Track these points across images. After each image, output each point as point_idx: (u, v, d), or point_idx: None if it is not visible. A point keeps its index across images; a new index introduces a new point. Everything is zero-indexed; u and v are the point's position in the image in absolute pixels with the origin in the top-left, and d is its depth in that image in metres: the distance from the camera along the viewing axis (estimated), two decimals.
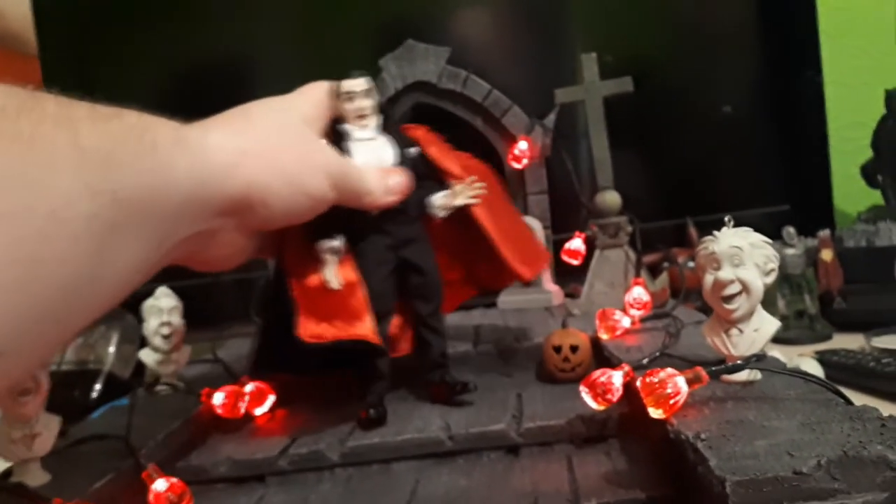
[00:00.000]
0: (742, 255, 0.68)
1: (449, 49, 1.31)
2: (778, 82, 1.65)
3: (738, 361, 0.66)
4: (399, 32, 1.32)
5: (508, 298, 1.33)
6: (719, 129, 1.62)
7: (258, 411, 0.96)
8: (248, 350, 1.00)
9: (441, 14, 1.49)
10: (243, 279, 1.57)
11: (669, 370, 0.64)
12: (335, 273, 0.83)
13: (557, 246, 1.32)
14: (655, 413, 0.63)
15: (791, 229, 1.43)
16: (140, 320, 1.00)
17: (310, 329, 0.80)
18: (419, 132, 0.94)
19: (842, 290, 1.44)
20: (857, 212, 1.63)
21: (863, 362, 1.09)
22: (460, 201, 0.88)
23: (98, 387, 1.37)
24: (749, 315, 0.68)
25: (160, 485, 0.70)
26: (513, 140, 1.32)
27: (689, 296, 1.34)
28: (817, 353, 1.15)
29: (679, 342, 0.89)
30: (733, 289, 0.67)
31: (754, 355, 0.66)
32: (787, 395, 0.65)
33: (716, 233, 0.70)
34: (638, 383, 0.65)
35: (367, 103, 0.89)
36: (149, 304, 0.97)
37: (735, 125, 1.62)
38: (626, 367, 0.78)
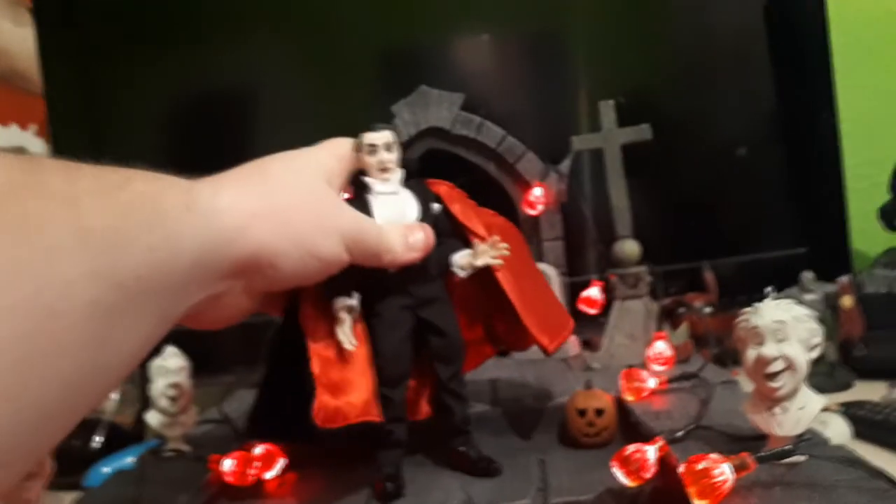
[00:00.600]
0: (786, 329, 0.64)
1: (462, 95, 1.29)
2: (792, 122, 1.64)
3: (787, 445, 0.62)
4: (412, 78, 1.30)
5: None
6: (734, 172, 1.60)
7: (268, 475, 0.92)
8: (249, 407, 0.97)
9: (454, 60, 1.48)
10: (248, 324, 1.54)
11: (714, 456, 0.61)
12: (349, 333, 0.79)
13: (573, 290, 1.30)
14: (700, 503, 0.59)
15: (809, 275, 1.40)
16: (146, 380, 0.96)
17: (323, 415, 0.76)
18: (443, 188, 0.91)
19: (863, 336, 1.41)
20: (874, 252, 1.61)
21: (891, 418, 1.05)
22: (482, 262, 0.84)
23: (98, 438, 1.33)
24: (794, 392, 0.65)
25: None
26: (527, 186, 1.29)
27: (706, 343, 1.31)
28: (841, 405, 1.12)
29: (711, 407, 0.85)
30: (778, 366, 0.64)
31: (801, 437, 0.63)
32: (837, 480, 0.61)
33: (757, 305, 0.67)
34: (680, 469, 0.62)
35: (389, 156, 0.86)
36: (156, 364, 0.93)
37: (750, 167, 1.60)
38: (660, 442, 0.75)
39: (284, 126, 1.56)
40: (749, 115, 1.61)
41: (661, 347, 1.07)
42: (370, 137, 0.86)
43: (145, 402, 1.49)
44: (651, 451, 0.73)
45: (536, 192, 1.27)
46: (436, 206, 0.88)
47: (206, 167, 1.69)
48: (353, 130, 1.48)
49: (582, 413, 0.92)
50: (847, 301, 1.41)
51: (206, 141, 1.59)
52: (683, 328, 1.22)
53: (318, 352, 0.79)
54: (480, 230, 0.88)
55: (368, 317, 0.85)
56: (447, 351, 0.88)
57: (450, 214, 0.89)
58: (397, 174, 0.87)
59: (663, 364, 1.06)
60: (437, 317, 0.87)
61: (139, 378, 1.44)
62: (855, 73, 1.69)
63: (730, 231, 1.62)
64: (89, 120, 1.65)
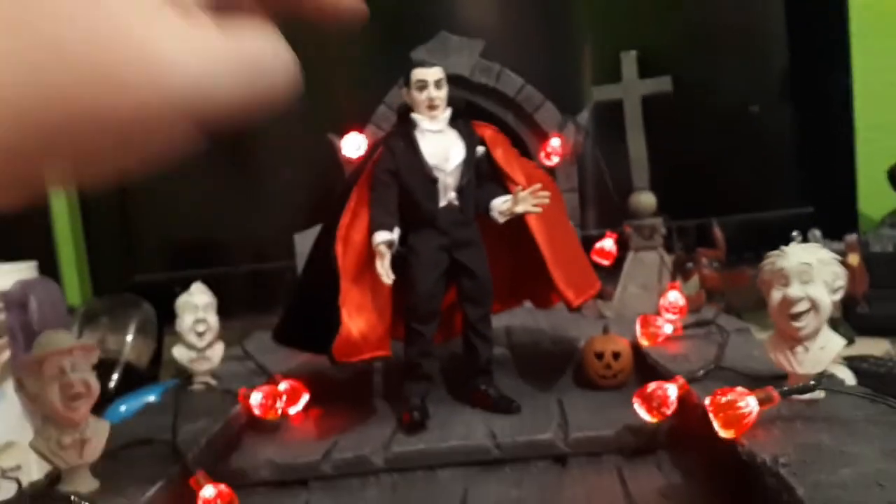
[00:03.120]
0: (811, 271, 0.66)
1: (482, 42, 1.28)
2: (806, 83, 1.64)
3: (810, 381, 0.65)
4: (432, 22, 1.29)
5: None
6: (745, 129, 1.60)
7: (292, 410, 0.95)
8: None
9: (475, 5, 1.46)
10: (259, 270, 1.55)
11: (740, 389, 0.63)
12: (388, 267, 0.81)
13: (586, 243, 1.31)
14: (725, 433, 0.62)
15: (817, 232, 1.42)
16: (173, 316, 0.98)
17: (342, 349, 0.79)
18: (488, 131, 0.92)
19: (866, 294, 1.43)
20: (880, 215, 1.62)
21: (894, 370, 1.08)
22: (521, 208, 0.85)
23: (116, 377, 1.35)
24: (815, 333, 0.67)
25: (208, 491, 0.68)
26: (545, 137, 1.30)
27: (714, 297, 1.33)
28: (845, 358, 1.14)
29: (726, 353, 0.88)
30: (802, 306, 0.66)
31: (823, 374, 0.65)
32: (855, 416, 0.63)
33: (783, 248, 0.69)
34: (707, 401, 0.64)
35: (439, 93, 0.86)
36: (183, 300, 0.95)
37: (761, 125, 1.61)
38: (681, 381, 0.77)
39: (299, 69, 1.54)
40: (764, 73, 1.61)
41: (675, 297, 1.10)
42: (420, 73, 0.86)
43: (160, 344, 1.52)
44: (672, 389, 0.76)
45: (554, 142, 1.28)
46: (480, 149, 0.89)
47: None
48: (371, 75, 1.47)
49: (599, 356, 0.94)
50: (853, 259, 1.43)
51: None
52: (694, 280, 1.24)
53: (348, 275, 0.81)
54: (521, 178, 0.89)
55: (404, 253, 0.87)
56: (478, 293, 0.89)
57: (491, 159, 0.90)
58: (445, 112, 0.87)
59: (677, 313, 1.08)
60: (471, 259, 0.88)
61: (155, 319, 1.46)
62: (871, 37, 1.68)
63: (739, 188, 1.63)
64: None
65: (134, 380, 1.36)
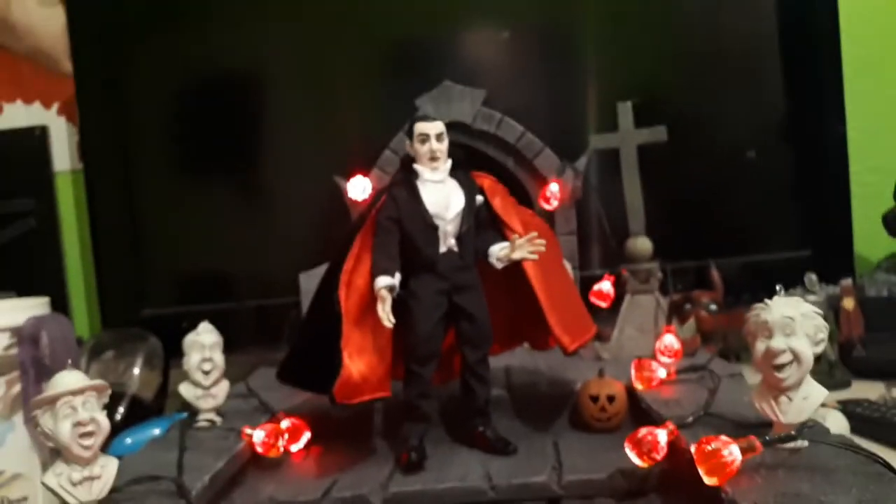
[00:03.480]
0: (794, 325, 0.69)
1: (484, 91, 1.33)
2: (801, 126, 1.67)
3: (791, 431, 0.67)
4: (435, 72, 1.35)
5: None
6: (743, 173, 1.64)
7: (294, 448, 0.97)
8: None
9: (476, 56, 1.52)
10: (265, 306, 1.58)
11: (723, 438, 0.66)
12: (389, 311, 0.84)
13: (586, 284, 1.34)
14: (710, 481, 0.64)
15: (813, 276, 1.44)
16: (179, 350, 1.01)
17: (343, 391, 0.82)
18: (486, 181, 0.96)
19: (862, 338, 1.45)
20: (876, 257, 1.65)
21: (888, 415, 1.10)
22: (518, 255, 0.89)
23: (122, 409, 1.38)
24: (798, 383, 0.70)
25: None
26: (544, 181, 1.34)
27: (710, 339, 1.35)
28: (839, 402, 1.16)
29: (717, 398, 0.90)
30: (785, 358, 0.69)
31: (804, 424, 0.68)
32: (836, 465, 0.66)
33: (767, 301, 0.72)
34: (692, 449, 0.66)
35: (440, 146, 0.91)
36: (190, 339, 0.98)
37: (758, 169, 1.64)
38: (671, 426, 0.79)
39: (308, 114, 1.59)
40: (759, 118, 1.65)
41: (670, 340, 1.12)
42: (422, 127, 0.91)
43: (166, 377, 1.55)
44: (662, 435, 0.78)
45: (553, 187, 1.32)
46: (479, 198, 0.93)
47: (228, 152, 1.71)
48: (378, 121, 1.53)
49: (594, 399, 0.97)
50: (848, 303, 1.45)
51: (228, 125, 1.63)
52: (691, 323, 1.26)
53: (350, 318, 0.85)
54: (518, 226, 0.93)
55: (405, 296, 0.90)
56: (476, 336, 0.92)
57: (490, 207, 0.94)
58: (446, 164, 0.91)
59: (671, 356, 1.11)
60: (470, 303, 0.92)
61: (162, 353, 1.49)
62: (864, 82, 1.72)
63: (737, 231, 1.66)
64: (115, 99, 1.68)
65: (140, 412, 1.38)
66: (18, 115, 1.83)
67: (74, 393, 0.66)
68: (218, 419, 0.99)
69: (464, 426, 0.95)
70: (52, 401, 0.66)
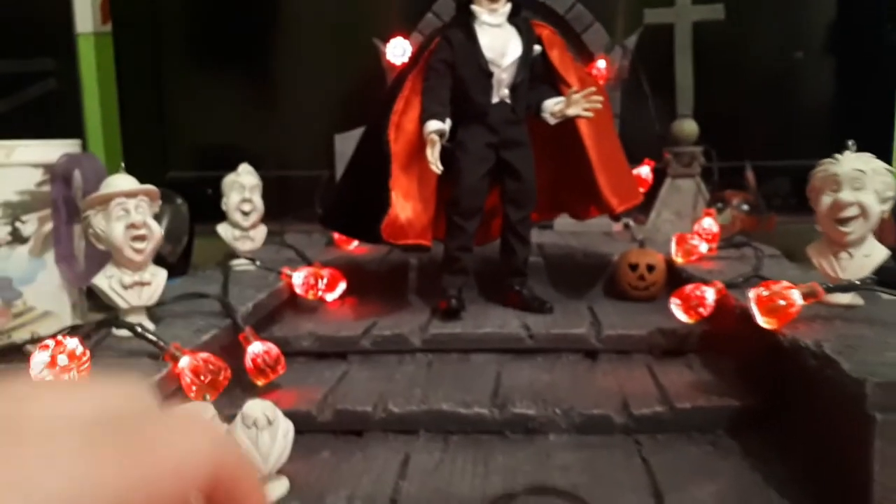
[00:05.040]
0: (864, 179, 0.67)
1: None
2: (852, 32, 1.60)
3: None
4: None
5: (566, 220, 1.32)
6: (787, 75, 1.58)
7: (329, 297, 0.97)
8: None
9: None
10: (295, 176, 1.56)
11: (784, 283, 0.65)
12: (437, 157, 0.82)
13: None
14: (767, 323, 0.64)
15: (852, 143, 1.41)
16: (203, 215, 0.99)
17: (390, 230, 0.81)
18: (545, 31, 0.92)
19: (893, 248, 1.44)
20: None
21: None
22: (574, 111, 0.86)
23: None
24: (861, 240, 0.68)
25: (256, 347, 0.71)
26: (591, 58, 1.29)
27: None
28: None
29: (763, 271, 0.89)
30: (852, 211, 0.67)
31: (869, 277, 0.67)
32: (895, 320, 0.65)
33: (837, 155, 0.69)
34: (750, 294, 0.66)
35: None
36: (230, 179, 0.96)
37: (804, 72, 1.58)
38: (719, 285, 0.79)
39: None
40: (810, 18, 1.57)
41: (709, 223, 1.10)
42: None
43: (191, 241, 1.54)
44: (710, 291, 0.78)
45: (600, 64, 1.27)
46: (536, 48, 0.89)
47: (259, 17, 1.61)
48: None
49: (634, 267, 0.96)
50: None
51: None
52: (728, 212, 1.25)
53: (399, 161, 0.83)
54: (575, 81, 0.89)
55: (452, 147, 0.87)
56: (521, 195, 0.90)
57: (547, 59, 0.90)
58: (506, 7, 0.87)
59: (709, 241, 1.09)
60: (518, 160, 0.89)
61: (188, 215, 1.48)
62: None
63: (775, 134, 1.62)
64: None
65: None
66: None
67: (128, 195, 0.65)
68: (256, 262, 0.98)
69: (501, 285, 0.94)
70: (106, 200, 0.65)
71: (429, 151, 0.81)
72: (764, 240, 1.33)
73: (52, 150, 1.11)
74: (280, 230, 1.34)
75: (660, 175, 1.28)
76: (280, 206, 1.53)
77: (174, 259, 1.47)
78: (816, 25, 1.63)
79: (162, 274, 0.70)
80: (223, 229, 0.97)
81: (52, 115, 1.76)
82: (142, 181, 1.70)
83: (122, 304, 0.67)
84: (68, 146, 1.16)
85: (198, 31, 1.64)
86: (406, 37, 1.27)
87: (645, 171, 1.27)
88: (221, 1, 1.60)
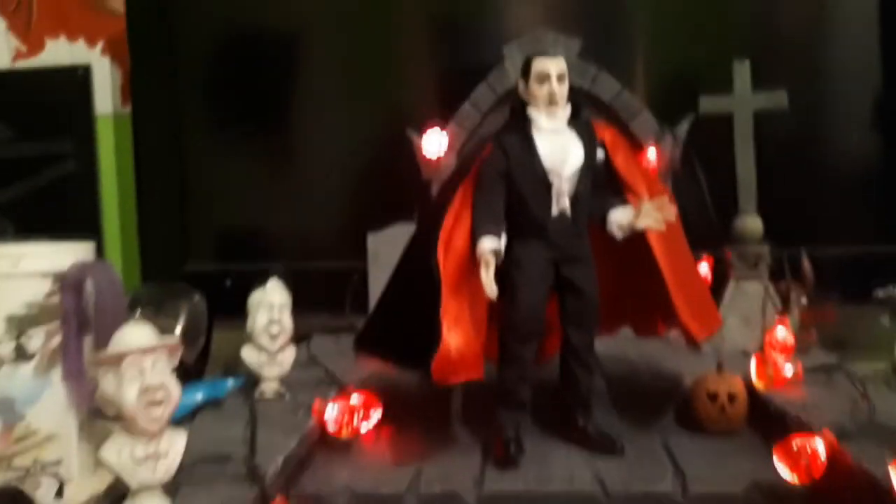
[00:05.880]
0: None
1: (579, 41, 1.19)
2: None
3: None
4: (527, 17, 1.21)
5: None
6: (847, 159, 1.47)
7: (364, 427, 0.86)
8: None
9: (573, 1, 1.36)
10: (323, 269, 1.47)
11: None
12: (492, 279, 0.72)
13: None
14: None
15: None
16: (222, 309, 0.90)
17: (441, 370, 0.71)
18: (608, 133, 0.83)
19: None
20: None
21: None
22: (644, 223, 0.76)
23: None
24: None
25: None
26: (639, 147, 1.20)
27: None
28: None
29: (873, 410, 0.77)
30: None
31: None
32: None
33: None
34: (891, 471, 0.54)
35: (561, 89, 0.77)
36: (257, 297, 0.86)
37: (866, 157, 1.47)
38: (829, 436, 0.67)
39: (372, 61, 1.45)
40: (882, 98, 1.46)
41: (783, 334, 0.99)
42: (542, 64, 0.77)
43: (209, 338, 1.44)
44: (820, 444, 0.66)
45: (650, 154, 1.18)
46: (599, 154, 0.80)
47: (286, 101, 1.54)
48: (456, 70, 1.37)
49: (713, 398, 0.84)
50: None
51: (286, 73, 1.50)
52: (796, 312, 1.13)
53: (448, 284, 0.73)
54: (643, 190, 0.80)
55: (507, 264, 0.78)
56: (584, 315, 0.79)
57: (610, 165, 0.81)
58: (565, 110, 0.78)
59: (783, 352, 0.98)
60: (580, 277, 0.78)
61: (206, 312, 1.38)
62: None
63: (832, 220, 1.50)
64: (166, 42, 1.56)
65: (180, 375, 1.29)
66: (61, 51, 1.72)
67: (144, 352, 0.55)
68: (285, 392, 0.88)
69: (563, 418, 0.83)
70: (118, 360, 0.55)
71: (483, 274, 0.71)
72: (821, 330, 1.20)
73: (63, 256, 1.03)
74: (307, 333, 1.24)
75: (719, 272, 1.17)
76: (305, 300, 1.43)
77: (191, 360, 1.37)
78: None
79: (180, 441, 0.59)
80: (248, 354, 0.87)
81: (68, 199, 1.70)
82: (160, 275, 1.60)
83: (133, 482, 0.56)
84: (80, 250, 1.08)
85: (220, 113, 1.58)
86: (442, 128, 1.20)
87: (703, 268, 1.17)
88: (246, 82, 1.54)
